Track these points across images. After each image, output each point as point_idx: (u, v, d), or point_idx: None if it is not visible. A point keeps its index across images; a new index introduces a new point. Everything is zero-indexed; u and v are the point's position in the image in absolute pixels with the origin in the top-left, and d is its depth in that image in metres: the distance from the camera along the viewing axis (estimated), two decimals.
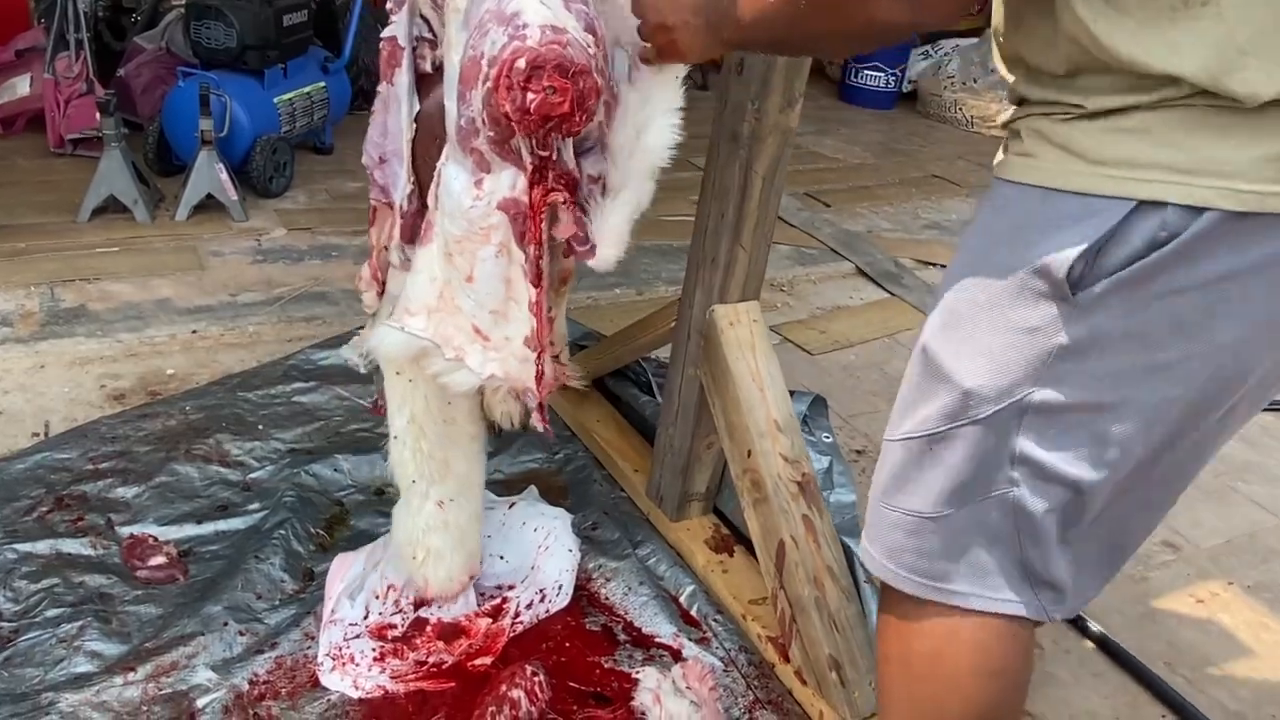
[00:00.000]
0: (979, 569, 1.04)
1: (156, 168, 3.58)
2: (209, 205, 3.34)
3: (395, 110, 1.32)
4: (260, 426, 2.25)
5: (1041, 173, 0.92)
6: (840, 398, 2.66)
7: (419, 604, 1.71)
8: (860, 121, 5.66)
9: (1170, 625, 1.97)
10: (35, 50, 3.73)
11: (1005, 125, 1.02)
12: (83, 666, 1.59)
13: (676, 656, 1.73)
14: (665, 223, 3.47)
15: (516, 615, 1.73)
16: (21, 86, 3.77)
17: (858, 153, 5.06)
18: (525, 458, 2.25)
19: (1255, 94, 0.80)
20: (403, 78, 1.29)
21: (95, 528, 1.89)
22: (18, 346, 2.48)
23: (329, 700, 1.57)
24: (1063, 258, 0.88)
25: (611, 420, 2.33)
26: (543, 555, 1.83)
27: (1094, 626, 1.89)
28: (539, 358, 1.27)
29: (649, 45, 1.15)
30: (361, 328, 2.67)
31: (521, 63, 1.04)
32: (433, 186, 1.27)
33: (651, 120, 1.18)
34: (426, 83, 1.32)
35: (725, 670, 1.72)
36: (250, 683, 1.58)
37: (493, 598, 1.76)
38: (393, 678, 1.61)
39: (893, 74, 5.92)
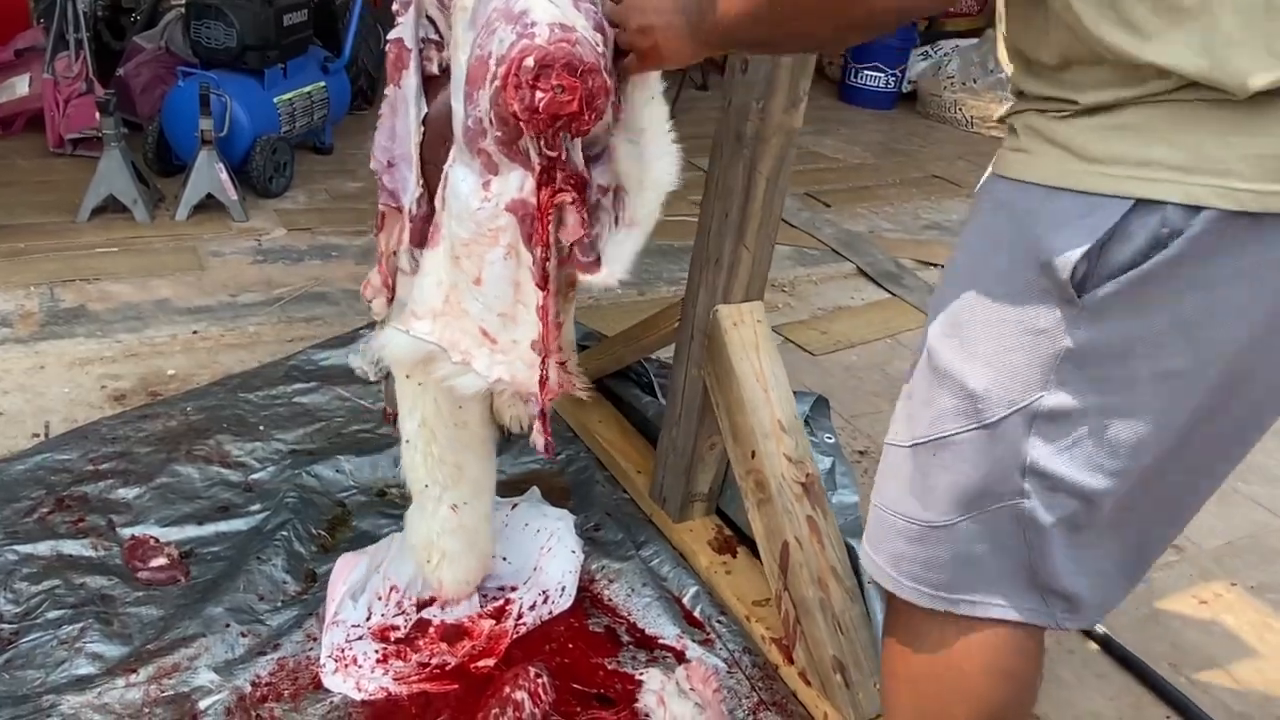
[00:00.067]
0: (987, 579, 1.03)
1: (156, 168, 3.57)
2: (209, 205, 3.34)
3: (403, 113, 1.31)
4: (261, 427, 2.24)
5: (1039, 170, 0.91)
6: (842, 398, 2.66)
7: (421, 605, 1.71)
8: (860, 122, 5.66)
9: (1174, 626, 1.97)
10: (34, 50, 3.72)
11: (1002, 120, 1.01)
12: (84, 668, 1.58)
13: (680, 658, 1.73)
14: (666, 223, 3.43)
15: (519, 617, 1.72)
16: (21, 86, 3.77)
17: (858, 153, 5.06)
18: (527, 458, 2.24)
19: (1244, 85, 0.79)
20: (410, 80, 1.28)
21: (96, 529, 1.88)
22: (17, 347, 2.47)
23: (331, 702, 1.57)
24: (1066, 257, 0.87)
25: (614, 421, 2.32)
26: (545, 556, 1.82)
27: (1098, 628, 1.89)
28: (543, 362, 1.26)
29: (632, 55, 1.14)
30: (361, 329, 2.68)
31: (530, 61, 1.03)
32: (440, 189, 1.26)
33: (653, 159, 1.18)
34: (434, 85, 1.31)
35: (729, 672, 1.72)
36: (252, 684, 1.58)
37: (495, 599, 1.75)
38: (395, 679, 1.60)
39: (892, 74, 5.92)
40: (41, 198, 3.33)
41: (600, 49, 1.07)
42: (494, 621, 1.70)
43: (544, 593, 1.78)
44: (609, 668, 1.69)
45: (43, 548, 1.81)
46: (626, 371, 2.37)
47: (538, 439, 1.32)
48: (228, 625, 1.67)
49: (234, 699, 1.54)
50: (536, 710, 1.53)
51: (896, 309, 3.31)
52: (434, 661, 1.64)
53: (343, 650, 1.62)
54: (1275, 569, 2.15)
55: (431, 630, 1.67)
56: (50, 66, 3.53)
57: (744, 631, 1.80)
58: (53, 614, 1.67)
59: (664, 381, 2.25)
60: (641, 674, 1.66)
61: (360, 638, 1.65)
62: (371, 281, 1.45)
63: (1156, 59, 0.81)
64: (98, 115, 3.22)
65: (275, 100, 3.60)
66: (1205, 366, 0.89)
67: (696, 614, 1.83)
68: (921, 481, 1.04)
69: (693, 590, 1.87)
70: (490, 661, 1.65)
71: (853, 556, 1.70)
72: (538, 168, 1.12)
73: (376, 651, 1.63)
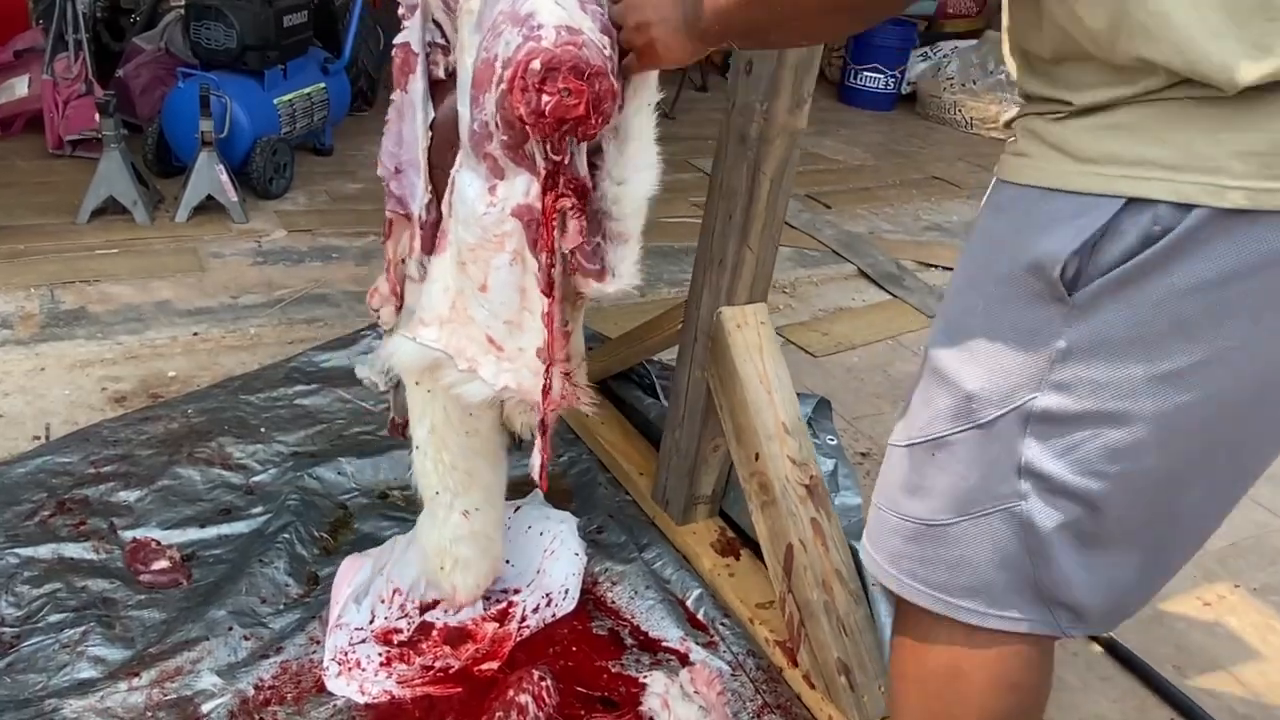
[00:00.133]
0: (987, 586, 1.02)
1: (156, 169, 3.57)
2: (209, 207, 3.33)
3: (410, 118, 1.29)
4: (263, 429, 2.24)
5: (1036, 172, 0.91)
6: (844, 400, 2.66)
7: (425, 608, 1.70)
8: (860, 123, 5.66)
9: (1178, 628, 1.96)
10: (34, 51, 3.72)
11: (1007, 125, 1.01)
12: (86, 672, 1.57)
13: (684, 661, 1.72)
14: (666, 224, 3.47)
15: (523, 619, 1.72)
16: (20, 87, 3.76)
17: (858, 154, 5.07)
18: (526, 460, 2.23)
19: (1232, 80, 0.78)
20: (417, 84, 1.27)
21: (97, 532, 1.88)
22: (18, 349, 2.47)
23: (335, 705, 1.56)
24: (1055, 256, 0.87)
25: (616, 422, 2.32)
26: (548, 559, 1.82)
27: None
28: (547, 371, 1.25)
29: (631, 55, 1.14)
30: (363, 331, 2.68)
31: (536, 64, 1.03)
32: (447, 194, 1.25)
33: (633, 171, 1.17)
34: (440, 89, 1.30)
35: (733, 675, 1.71)
36: (255, 688, 1.57)
37: (499, 602, 1.75)
38: (399, 683, 1.60)
39: (892, 75, 5.92)
40: (41, 199, 3.32)
41: (607, 52, 1.06)
42: (497, 624, 1.70)
43: (547, 595, 1.77)
44: (613, 671, 1.69)
45: (44, 551, 1.80)
46: (628, 373, 2.37)
47: (535, 461, 1.31)
48: (230, 628, 1.66)
49: (237, 702, 1.54)
50: (540, 713, 1.53)
51: (897, 310, 3.30)
52: (437, 664, 1.63)
53: (346, 653, 1.62)
54: (1279, 570, 2.15)
55: (435, 633, 1.67)
56: (49, 68, 3.52)
57: (748, 634, 1.80)
58: (54, 617, 1.67)
59: (666, 383, 2.25)
60: (645, 677, 1.66)
61: (364, 641, 1.64)
62: (379, 290, 1.44)
63: (1144, 54, 0.81)
64: (97, 116, 3.22)
65: (275, 101, 3.60)
66: (1207, 369, 0.87)
67: (700, 617, 1.83)
68: (920, 481, 1.04)
69: (696, 593, 1.87)
70: (494, 664, 1.64)
71: (856, 559, 1.70)
72: (543, 172, 1.11)
73: (380, 654, 1.63)
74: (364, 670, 1.60)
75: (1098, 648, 1.89)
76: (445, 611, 1.69)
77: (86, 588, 1.74)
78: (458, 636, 1.67)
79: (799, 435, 1.74)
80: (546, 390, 1.26)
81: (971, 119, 5.65)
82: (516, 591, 1.77)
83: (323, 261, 3.17)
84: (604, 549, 1.95)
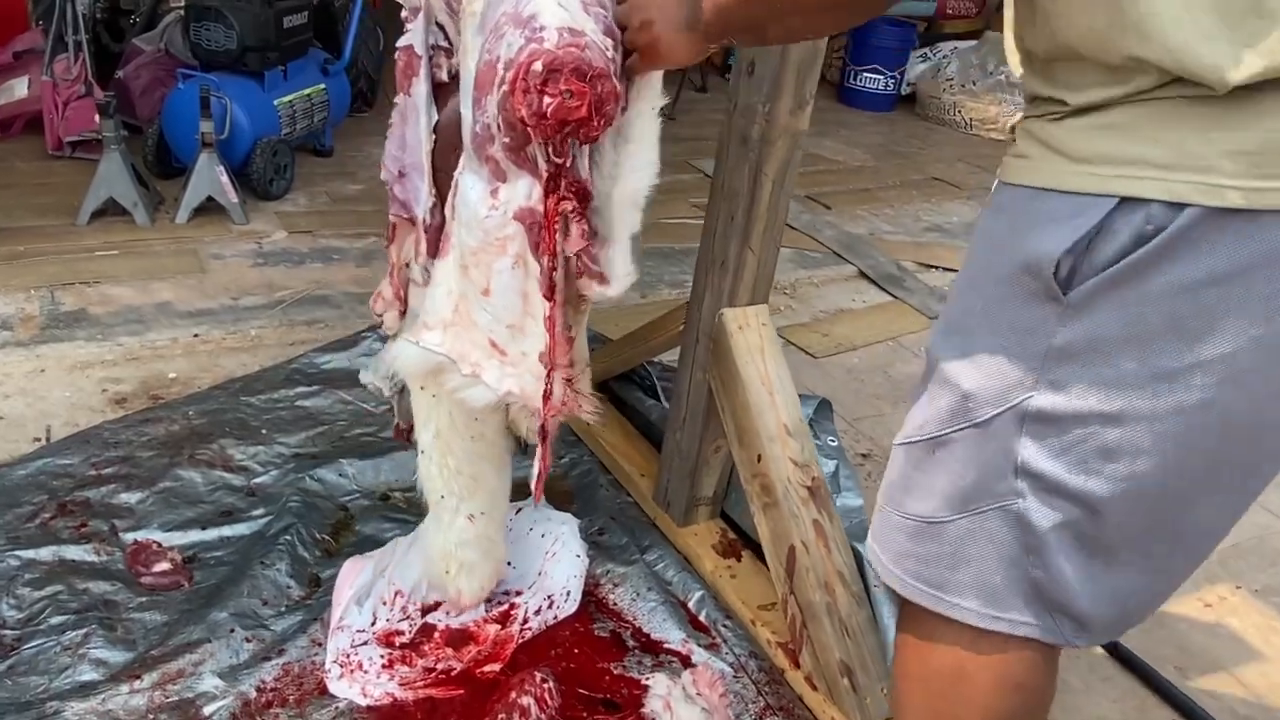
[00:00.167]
0: (987, 586, 1.02)
1: (156, 170, 3.56)
2: (209, 208, 3.33)
3: (413, 121, 1.29)
4: (264, 431, 2.24)
5: (1034, 173, 0.92)
6: (845, 401, 2.65)
7: (426, 610, 1.70)
8: (859, 124, 5.66)
9: (1179, 629, 1.96)
10: (33, 52, 3.71)
11: (1011, 130, 1.01)
12: (88, 675, 1.57)
13: (686, 662, 1.72)
14: (667, 225, 3.47)
15: (525, 621, 1.72)
16: (19, 89, 3.75)
17: (858, 155, 5.06)
18: (529, 462, 2.23)
19: (1223, 79, 0.78)
20: (420, 88, 1.27)
21: (99, 534, 1.87)
22: (18, 350, 2.47)
23: (337, 708, 1.56)
24: (1050, 255, 0.87)
25: (617, 424, 2.32)
26: (550, 561, 1.81)
27: None
28: (549, 375, 1.24)
29: (635, 55, 1.14)
30: (364, 332, 2.68)
31: (538, 65, 1.03)
32: (450, 196, 1.25)
33: (629, 171, 1.17)
34: (444, 92, 1.30)
35: (735, 676, 1.71)
36: (257, 690, 1.57)
37: (500, 604, 1.75)
38: (401, 685, 1.60)
39: (892, 76, 5.92)
40: (41, 201, 3.32)
41: (610, 54, 1.06)
42: (499, 626, 1.70)
43: (549, 597, 1.77)
44: (615, 672, 1.69)
45: (45, 553, 1.80)
46: (630, 374, 2.37)
47: (534, 470, 1.30)
48: (232, 630, 1.66)
49: (239, 705, 1.54)
50: (543, 715, 1.53)
51: (898, 311, 3.30)
52: (439, 667, 1.63)
53: (348, 655, 1.62)
54: None
55: (437, 635, 1.67)
56: (49, 69, 3.51)
57: (750, 636, 1.80)
58: (55, 620, 1.66)
59: (667, 384, 2.25)
60: (647, 679, 1.66)
61: (365, 643, 1.64)
62: (383, 294, 1.43)
63: (1135, 52, 0.81)
64: (97, 118, 3.22)
65: (275, 102, 3.59)
66: (1204, 369, 0.87)
67: (702, 618, 1.83)
68: (920, 479, 1.05)
69: (698, 594, 1.87)
70: (496, 667, 1.64)
71: (858, 560, 1.70)
72: (545, 175, 1.11)
73: (382, 657, 1.63)
74: (366, 672, 1.60)
75: (1099, 649, 1.88)
76: (447, 613, 1.69)
77: (88, 590, 1.74)
78: (460, 638, 1.67)
79: (801, 437, 1.74)
80: (548, 395, 1.25)
81: (971, 120, 5.65)
82: (518, 593, 1.77)
83: (323, 263, 3.16)
84: (605, 551, 1.95)
